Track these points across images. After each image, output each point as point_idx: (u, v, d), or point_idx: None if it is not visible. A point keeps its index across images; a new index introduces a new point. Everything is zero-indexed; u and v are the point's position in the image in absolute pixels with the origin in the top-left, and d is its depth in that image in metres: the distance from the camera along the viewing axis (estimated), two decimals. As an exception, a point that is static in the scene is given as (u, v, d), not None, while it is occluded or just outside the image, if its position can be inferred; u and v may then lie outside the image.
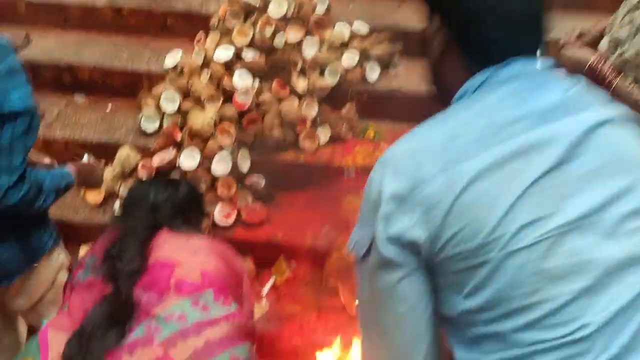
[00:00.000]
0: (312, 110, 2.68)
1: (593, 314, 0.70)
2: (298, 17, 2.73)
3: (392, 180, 0.75)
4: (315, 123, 2.69)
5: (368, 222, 0.78)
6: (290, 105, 2.63)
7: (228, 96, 2.58)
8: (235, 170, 2.49)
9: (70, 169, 1.62)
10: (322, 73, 2.74)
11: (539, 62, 0.82)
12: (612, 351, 0.70)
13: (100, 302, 1.13)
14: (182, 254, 1.22)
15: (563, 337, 0.70)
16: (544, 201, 0.72)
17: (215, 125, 2.52)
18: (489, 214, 0.71)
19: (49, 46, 2.91)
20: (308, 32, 2.74)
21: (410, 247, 0.74)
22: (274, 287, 2.26)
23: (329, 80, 2.72)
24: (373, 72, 2.84)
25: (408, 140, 0.81)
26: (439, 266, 0.75)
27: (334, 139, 2.70)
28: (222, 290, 1.18)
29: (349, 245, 0.83)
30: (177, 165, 2.45)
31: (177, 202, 1.39)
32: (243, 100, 2.54)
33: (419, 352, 0.79)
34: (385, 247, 0.75)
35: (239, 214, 2.43)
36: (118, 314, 1.10)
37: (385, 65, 2.87)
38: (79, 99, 2.96)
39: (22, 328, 1.79)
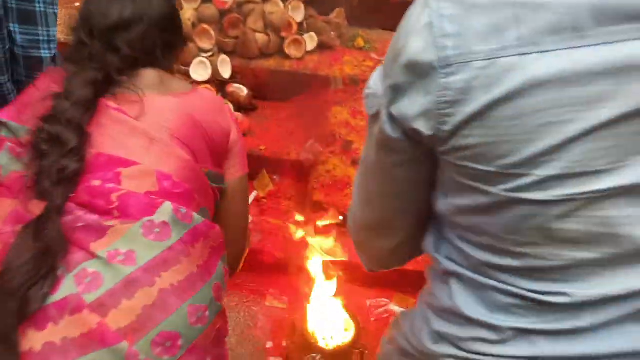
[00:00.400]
0: (298, 13, 2.50)
1: (580, 288, 0.56)
2: None
3: (419, 41, 0.53)
4: (301, 28, 2.52)
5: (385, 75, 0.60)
6: (275, 7, 2.44)
7: (207, -6, 2.37)
8: (215, 77, 2.34)
9: None
10: (310, -27, 2.53)
11: None
12: (568, 334, 0.57)
13: (20, 238, 0.78)
14: (132, 143, 0.86)
15: (534, 292, 0.58)
16: (605, 152, 0.51)
17: (194, 26, 2.34)
18: (522, 143, 0.52)
19: None
20: None
21: (412, 134, 0.58)
22: (256, 200, 2.20)
23: (318, -20, 2.52)
24: (365, -26, 2.63)
25: None
26: (437, 161, 0.61)
27: (322, 47, 2.55)
28: (185, 195, 0.88)
29: (366, 87, 0.64)
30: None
31: (146, 28, 0.97)
32: (224, -1, 2.34)
33: (401, 227, 0.71)
34: (388, 124, 0.59)
35: (219, 124, 2.32)
36: (44, 259, 0.77)
37: (379, -34, 2.66)
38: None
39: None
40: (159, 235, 0.82)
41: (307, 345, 1.63)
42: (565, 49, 0.49)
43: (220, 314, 0.90)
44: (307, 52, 2.51)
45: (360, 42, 2.60)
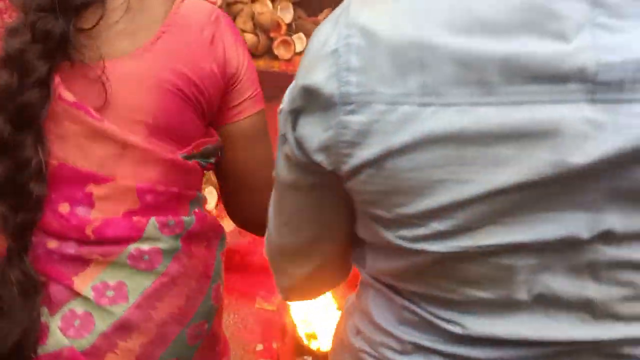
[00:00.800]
0: (287, 14, 2.50)
1: (475, 324, 0.54)
2: None
3: (323, 69, 0.49)
4: (290, 29, 2.51)
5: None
6: (264, 8, 2.44)
7: (195, -6, 2.35)
8: (203, 78, 2.32)
9: None
10: (298, -27, 2.53)
11: None
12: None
13: None
14: (100, 152, 0.69)
15: (435, 316, 0.57)
16: (502, 212, 0.48)
17: (182, 26, 2.31)
18: (417, 197, 0.49)
19: None
20: None
21: (315, 166, 0.54)
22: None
23: (307, -19, 2.52)
24: (354, -25, 2.64)
25: (401, 16, 0.48)
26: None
27: (310, 48, 2.55)
28: (172, 200, 0.74)
29: (282, 102, 0.59)
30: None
31: None
32: (212, -1, 2.33)
33: (321, 252, 0.66)
34: (296, 149, 0.55)
35: (208, 125, 2.30)
36: (20, 320, 0.66)
37: (368, -33, 2.66)
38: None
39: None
40: (149, 262, 0.72)
41: (298, 347, 1.62)
42: (469, 104, 0.45)
43: (219, 312, 0.84)
44: (296, 53, 2.51)
45: (349, 43, 2.60)
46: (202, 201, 0.83)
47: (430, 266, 0.54)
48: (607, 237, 0.48)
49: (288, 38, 2.46)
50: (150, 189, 0.72)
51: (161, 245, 0.73)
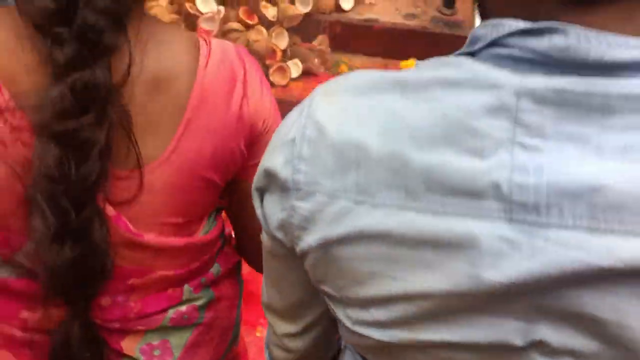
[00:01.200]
0: (282, 41, 2.52)
1: None
2: (267, -63, 2.52)
3: (282, 154, 0.52)
4: (285, 55, 2.53)
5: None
6: (259, 35, 2.46)
7: (191, 22, 2.38)
8: (200, 106, 2.33)
9: None
10: (292, 0, 2.56)
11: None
12: None
13: None
14: (137, 256, 0.71)
15: None
16: (431, 312, 0.49)
17: (178, 55, 2.34)
18: (355, 285, 0.51)
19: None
20: (278, -46, 2.54)
21: (279, 240, 0.56)
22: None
23: (300, 8, 2.54)
24: (347, 0, 2.67)
25: (346, 116, 0.50)
26: None
27: (306, 73, 2.56)
28: (201, 266, 0.77)
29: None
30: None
31: None
32: (208, 27, 2.35)
33: (302, 316, 0.66)
34: (264, 221, 0.57)
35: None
36: None
37: (360, -7, 2.70)
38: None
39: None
40: (188, 320, 0.77)
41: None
42: (396, 207, 0.46)
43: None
44: (292, 79, 2.53)
45: (344, 68, 2.62)
46: (225, 241, 0.85)
47: (380, 348, 0.53)
48: (542, 347, 0.46)
49: (284, 64, 2.47)
50: (187, 271, 0.76)
51: (197, 302, 0.78)
